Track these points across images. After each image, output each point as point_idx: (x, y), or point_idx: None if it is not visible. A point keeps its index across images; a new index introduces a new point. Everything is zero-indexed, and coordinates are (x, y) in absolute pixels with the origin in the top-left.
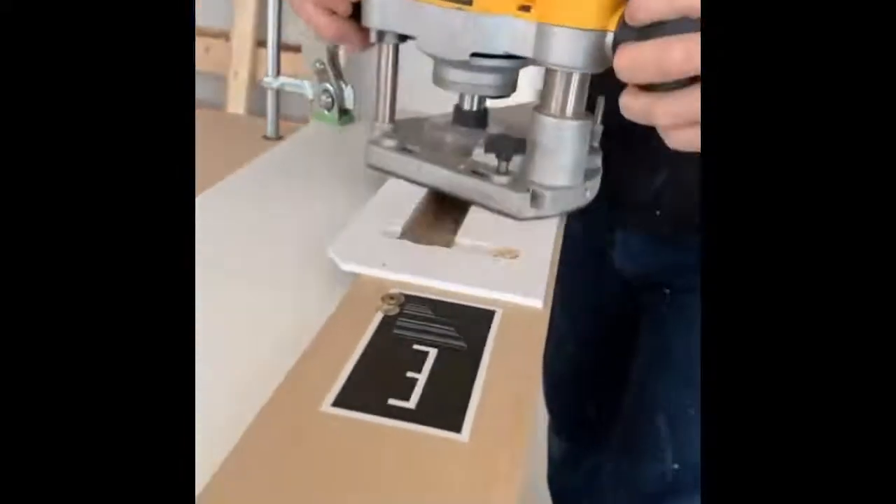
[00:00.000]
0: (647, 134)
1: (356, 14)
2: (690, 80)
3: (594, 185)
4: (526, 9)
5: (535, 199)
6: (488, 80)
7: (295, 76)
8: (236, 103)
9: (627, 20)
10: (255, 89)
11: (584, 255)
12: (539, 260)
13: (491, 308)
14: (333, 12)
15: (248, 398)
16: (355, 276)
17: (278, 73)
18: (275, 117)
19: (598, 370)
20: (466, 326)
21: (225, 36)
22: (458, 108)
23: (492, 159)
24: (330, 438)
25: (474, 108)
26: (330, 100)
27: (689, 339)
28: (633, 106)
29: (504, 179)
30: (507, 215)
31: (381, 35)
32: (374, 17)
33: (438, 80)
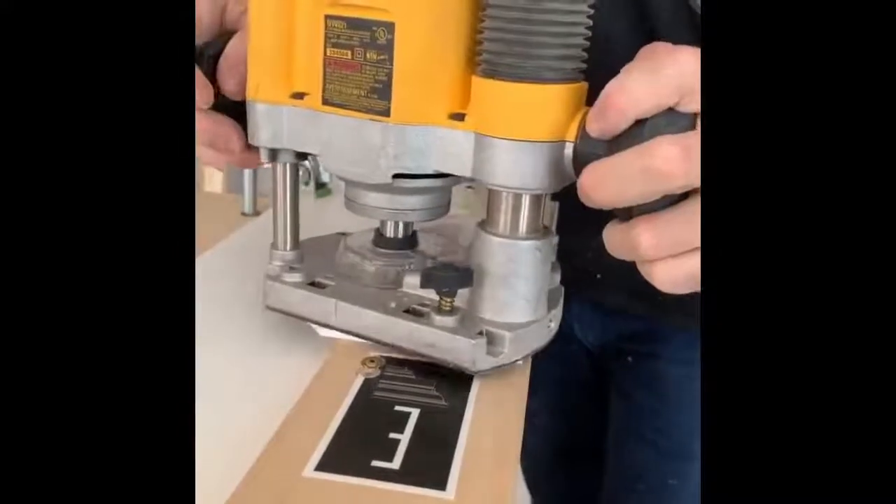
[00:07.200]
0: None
1: None
2: (680, 198)
3: (558, 313)
4: (459, 117)
5: (491, 343)
6: (415, 202)
7: None
8: (212, 183)
9: (595, 132)
10: (232, 169)
11: None
12: None
13: None
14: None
15: (232, 465)
16: (334, 341)
17: None
18: (252, 194)
19: (575, 444)
20: (447, 385)
21: None
22: (378, 232)
23: (430, 290)
24: (314, 503)
25: (399, 235)
26: (306, 174)
27: (658, 408)
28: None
29: (448, 320)
30: (455, 367)
31: (273, 154)
32: (262, 133)
33: (352, 205)
